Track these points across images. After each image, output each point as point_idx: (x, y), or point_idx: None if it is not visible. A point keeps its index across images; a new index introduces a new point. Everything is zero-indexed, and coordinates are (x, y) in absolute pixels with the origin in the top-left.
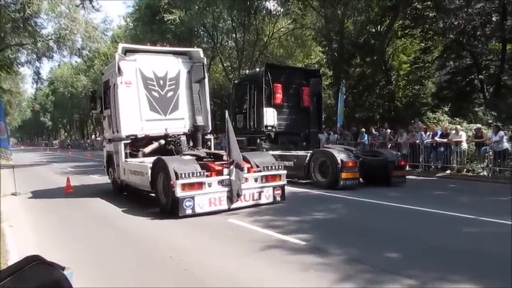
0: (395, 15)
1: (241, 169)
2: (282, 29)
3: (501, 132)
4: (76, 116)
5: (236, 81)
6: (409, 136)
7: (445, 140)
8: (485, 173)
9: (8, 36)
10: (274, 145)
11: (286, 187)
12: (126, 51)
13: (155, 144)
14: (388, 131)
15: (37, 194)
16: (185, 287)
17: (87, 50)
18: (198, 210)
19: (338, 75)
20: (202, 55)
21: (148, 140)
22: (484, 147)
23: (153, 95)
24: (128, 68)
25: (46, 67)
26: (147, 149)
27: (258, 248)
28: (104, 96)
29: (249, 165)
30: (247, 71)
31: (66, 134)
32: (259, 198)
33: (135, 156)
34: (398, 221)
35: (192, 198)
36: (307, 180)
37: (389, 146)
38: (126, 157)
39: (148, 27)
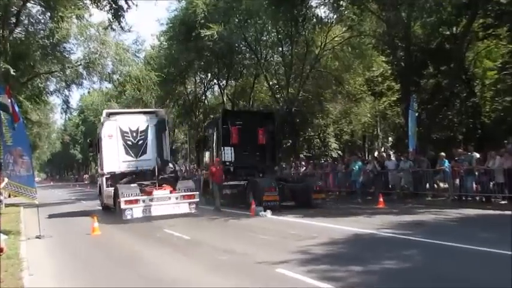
0: (473, 13)
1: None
2: (336, 39)
3: None
4: None
5: (206, 124)
6: (503, 160)
7: None
8: None
9: (38, 64)
10: (232, 176)
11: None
12: (110, 114)
13: (128, 178)
14: (475, 154)
15: (62, 236)
16: None
17: (117, 74)
18: (135, 215)
19: (407, 89)
20: (164, 113)
21: (124, 175)
22: None
23: (127, 143)
24: (111, 125)
25: (76, 95)
26: (122, 182)
27: None
28: (97, 143)
29: (171, 189)
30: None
31: (96, 167)
32: (179, 209)
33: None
34: None
35: (131, 209)
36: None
37: (477, 174)
38: (107, 186)
39: (184, 46)
